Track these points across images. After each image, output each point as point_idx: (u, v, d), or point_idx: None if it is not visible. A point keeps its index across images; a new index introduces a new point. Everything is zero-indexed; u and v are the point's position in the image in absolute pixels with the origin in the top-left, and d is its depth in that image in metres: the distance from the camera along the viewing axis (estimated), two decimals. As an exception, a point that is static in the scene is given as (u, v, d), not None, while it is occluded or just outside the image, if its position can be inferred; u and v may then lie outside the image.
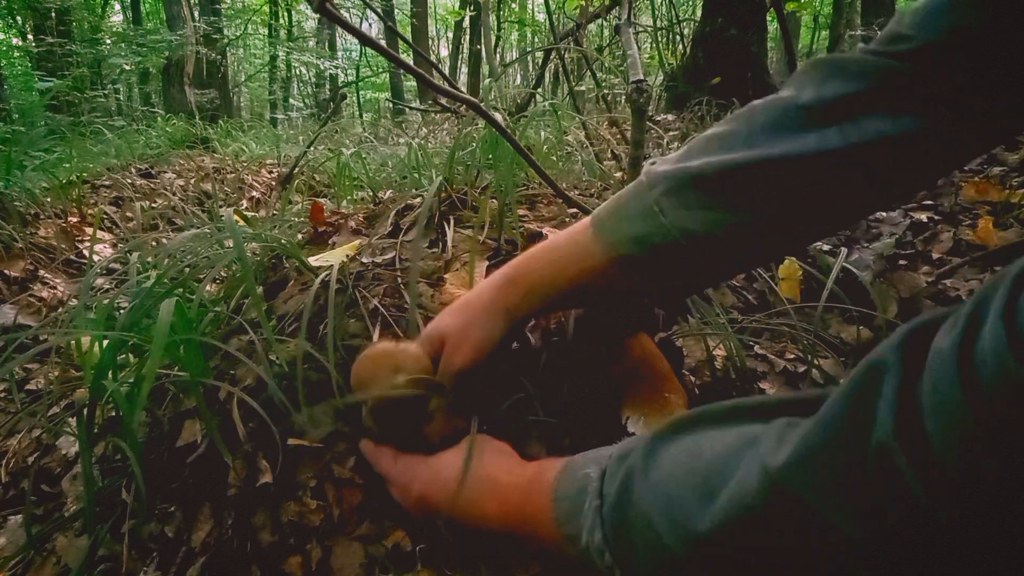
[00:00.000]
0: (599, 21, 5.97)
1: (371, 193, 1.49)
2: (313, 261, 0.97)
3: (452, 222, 1.02)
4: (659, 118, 3.44)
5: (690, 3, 10.03)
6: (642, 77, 1.00)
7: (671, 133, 2.80)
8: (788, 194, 0.51)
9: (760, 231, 0.53)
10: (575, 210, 1.06)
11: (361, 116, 10.01)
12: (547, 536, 0.48)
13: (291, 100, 15.26)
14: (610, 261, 0.58)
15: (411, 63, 0.83)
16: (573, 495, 0.46)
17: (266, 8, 12.69)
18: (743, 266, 0.69)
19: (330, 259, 0.97)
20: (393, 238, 1.04)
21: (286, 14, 14.26)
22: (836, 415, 0.30)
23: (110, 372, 0.72)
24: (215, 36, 8.48)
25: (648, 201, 0.56)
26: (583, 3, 3.56)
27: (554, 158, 1.72)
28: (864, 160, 0.48)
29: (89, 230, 2.04)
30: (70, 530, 0.73)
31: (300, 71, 16.26)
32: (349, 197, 1.69)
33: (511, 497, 0.51)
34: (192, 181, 3.04)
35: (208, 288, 0.98)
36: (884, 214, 1.55)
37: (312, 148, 3.08)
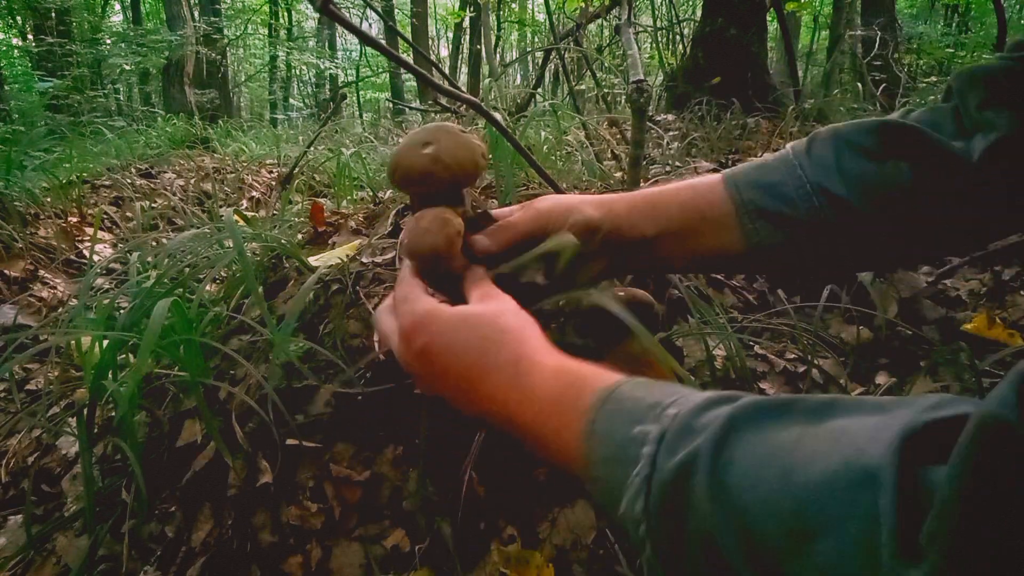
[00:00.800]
0: (599, 21, 5.97)
1: (371, 193, 1.49)
2: (313, 261, 0.97)
3: (452, 222, 1.02)
4: (659, 118, 3.44)
5: (690, 3, 10.03)
6: (642, 77, 1.00)
7: (671, 133, 2.80)
8: (931, 180, 0.52)
9: (894, 209, 0.53)
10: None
11: (361, 116, 10.01)
12: (568, 462, 0.41)
13: (291, 100, 15.27)
14: (732, 206, 0.57)
15: (411, 63, 0.83)
16: (617, 443, 0.38)
17: (266, 8, 12.70)
18: (861, 255, 0.61)
19: (330, 259, 0.97)
20: (393, 238, 1.04)
21: (286, 14, 14.28)
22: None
23: (110, 372, 0.72)
24: (215, 36, 8.48)
25: (788, 155, 0.57)
26: (583, 3, 3.56)
27: (554, 158, 1.72)
28: (996, 167, 0.50)
29: (89, 230, 2.04)
30: (70, 530, 0.73)
31: (300, 71, 16.26)
32: (349, 197, 1.69)
33: (540, 393, 0.43)
34: (192, 181, 3.04)
35: (208, 288, 0.98)
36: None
37: (312, 148, 3.08)
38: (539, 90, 4.12)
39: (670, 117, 3.54)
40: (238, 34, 11.92)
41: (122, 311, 0.80)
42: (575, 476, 0.40)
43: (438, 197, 0.57)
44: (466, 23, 10.24)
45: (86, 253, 1.87)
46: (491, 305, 0.49)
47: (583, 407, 0.40)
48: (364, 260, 0.97)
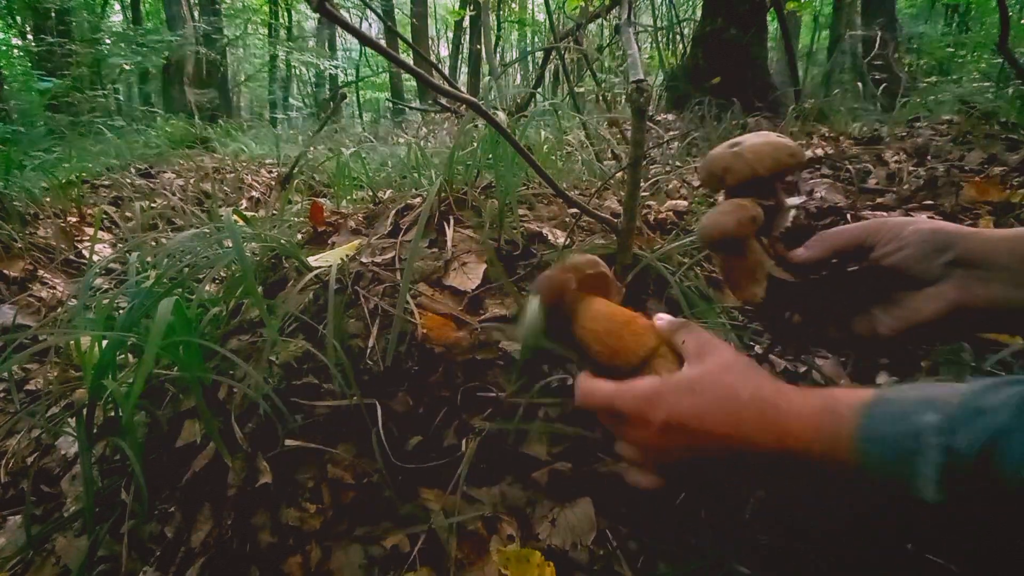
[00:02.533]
0: (599, 21, 5.97)
1: (371, 193, 1.49)
2: (313, 261, 0.97)
3: (452, 222, 1.02)
4: (659, 118, 3.44)
5: (690, 3, 10.02)
6: (642, 77, 1.00)
7: (671, 133, 2.80)
8: None
9: None
10: (575, 210, 1.06)
11: (361, 116, 10.02)
12: (839, 469, 0.45)
13: (291, 100, 15.25)
14: None
15: (411, 63, 0.83)
16: (894, 439, 0.42)
17: (266, 8, 12.69)
18: None
19: (330, 259, 0.97)
20: (393, 238, 1.04)
21: (286, 14, 14.25)
22: None
23: (110, 372, 0.72)
24: (215, 36, 8.48)
25: None
26: (583, 3, 3.56)
27: (554, 158, 1.72)
28: None
29: (89, 230, 2.04)
30: (70, 530, 0.73)
31: (300, 71, 16.25)
32: (349, 197, 1.69)
33: (791, 426, 0.47)
34: (192, 181, 3.04)
35: (208, 288, 0.98)
36: (884, 214, 1.55)
37: (312, 148, 3.07)
38: (539, 90, 4.12)
39: (670, 117, 3.54)
40: (238, 34, 11.91)
41: (121, 311, 0.80)
42: (844, 476, 0.45)
43: (743, 191, 0.58)
44: (466, 23, 10.24)
45: (85, 253, 1.87)
46: (711, 362, 0.51)
47: (846, 423, 0.44)
48: (364, 260, 0.97)
